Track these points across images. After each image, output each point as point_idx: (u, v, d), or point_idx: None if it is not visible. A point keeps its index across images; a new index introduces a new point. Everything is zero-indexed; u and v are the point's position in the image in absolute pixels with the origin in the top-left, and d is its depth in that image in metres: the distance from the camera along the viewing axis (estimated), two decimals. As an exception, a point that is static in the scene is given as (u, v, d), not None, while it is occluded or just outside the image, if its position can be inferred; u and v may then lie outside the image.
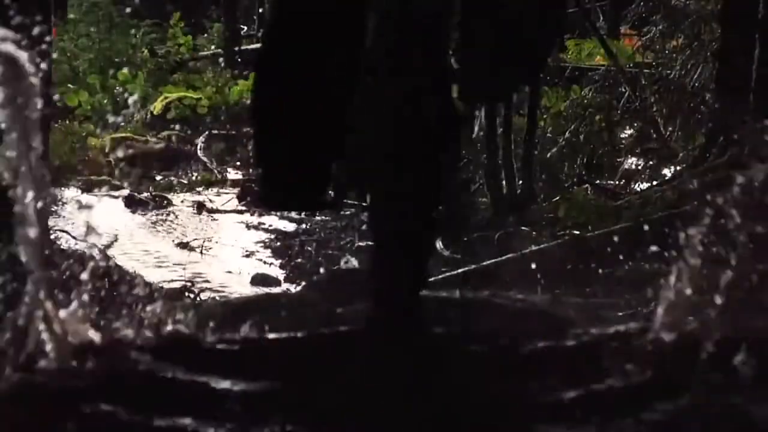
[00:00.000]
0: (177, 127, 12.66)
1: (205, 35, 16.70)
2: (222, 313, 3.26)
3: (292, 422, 2.03)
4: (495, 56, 3.64)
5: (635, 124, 10.07)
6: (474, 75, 3.62)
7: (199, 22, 16.58)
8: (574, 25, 13.26)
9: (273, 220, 9.13)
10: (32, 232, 2.30)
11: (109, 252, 7.03)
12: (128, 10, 14.99)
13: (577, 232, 7.14)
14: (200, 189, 10.76)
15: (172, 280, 7.05)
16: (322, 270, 7.07)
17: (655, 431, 2.01)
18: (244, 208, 9.80)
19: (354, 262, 7.65)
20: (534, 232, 7.45)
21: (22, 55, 2.27)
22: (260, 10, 16.85)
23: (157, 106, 13.12)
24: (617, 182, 9.16)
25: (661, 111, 9.55)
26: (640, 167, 9.34)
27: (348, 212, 9.63)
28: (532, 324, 2.88)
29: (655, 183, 8.61)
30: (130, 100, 13.02)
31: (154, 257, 8.04)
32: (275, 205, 5.11)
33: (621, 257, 6.49)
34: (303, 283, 6.72)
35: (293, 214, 8.92)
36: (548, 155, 9.17)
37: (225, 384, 2.20)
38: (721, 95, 7.57)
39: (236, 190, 10.35)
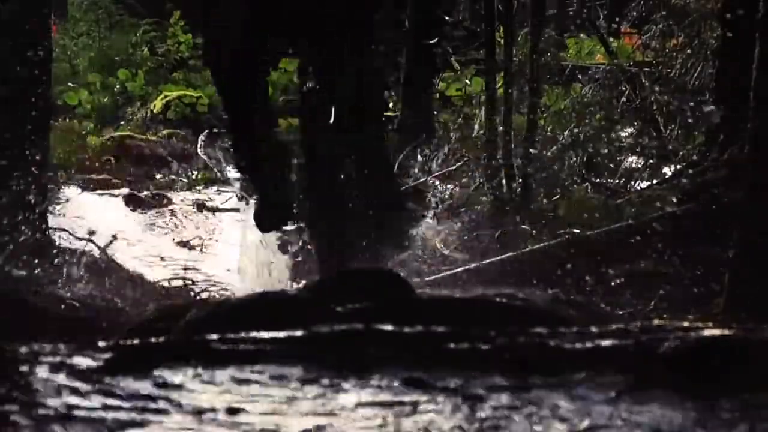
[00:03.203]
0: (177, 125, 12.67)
1: (205, 33, 16.69)
2: (222, 311, 3.26)
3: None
4: None
5: (635, 123, 10.07)
6: None
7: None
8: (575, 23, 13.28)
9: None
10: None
11: (109, 250, 7.07)
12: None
13: (578, 231, 7.14)
14: (200, 187, 10.76)
15: (172, 279, 7.06)
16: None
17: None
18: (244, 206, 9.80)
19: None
20: (534, 231, 7.46)
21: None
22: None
23: (157, 105, 13.12)
24: (617, 181, 9.17)
25: (661, 110, 9.55)
26: (640, 166, 9.35)
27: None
28: (532, 323, 2.87)
29: (655, 182, 8.62)
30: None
31: (154, 256, 8.04)
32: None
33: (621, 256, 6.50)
34: (303, 283, 6.72)
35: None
36: (548, 154, 9.17)
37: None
38: (721, 94, 7.58)
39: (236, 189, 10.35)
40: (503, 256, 6.72)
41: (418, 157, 10.64)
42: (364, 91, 6.01)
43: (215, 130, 12.41)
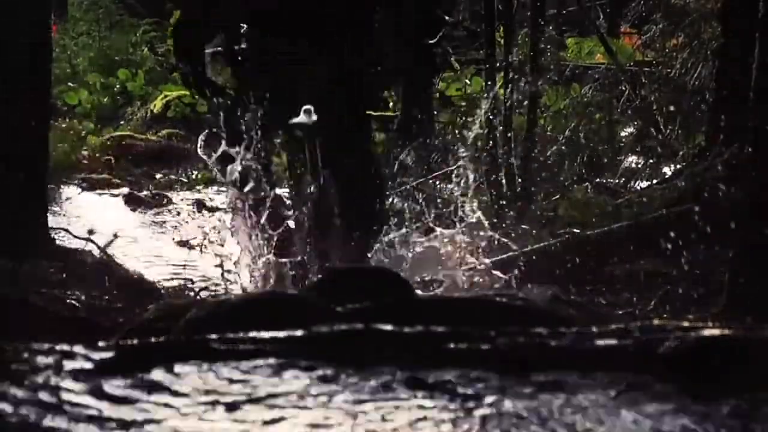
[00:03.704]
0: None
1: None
2: (222, 311, 3.26)
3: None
4: None
5: (635, 123, 10.07)
6: None
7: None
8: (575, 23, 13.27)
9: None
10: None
11: (109, 250, 7.08)
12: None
13: (578, 231, 7.14)
14: (200, 187, 10.76)
15: (172, 279, 7.06)
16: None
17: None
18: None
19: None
20: (534, 231, 7.46)
21: None
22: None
23: (157, 105, 13.11)
24: (617, 180, 9.17)
25: (661, 109, 9.55)
26: (640, 165, 9.35)
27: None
28: (532, 323, 2.87)
29: (655, 181, 8.62)
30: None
31: (153, 255, 8.04)
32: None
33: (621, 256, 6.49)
34: (303, 282, 6.72)
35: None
36: (548, 154, 9.17)
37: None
38: (721, 94, 7.58)
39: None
40: (503, 256, 6.71)
41: (418, 157, 10.63)
42: (349, 95, 6.08)
43: (215, 130, 12.39)
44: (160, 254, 8.11)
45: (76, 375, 2.22)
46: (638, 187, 8.73)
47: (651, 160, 9.24)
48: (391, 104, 12.46)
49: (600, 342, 2.40)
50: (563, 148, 9.23)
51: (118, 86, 13.78)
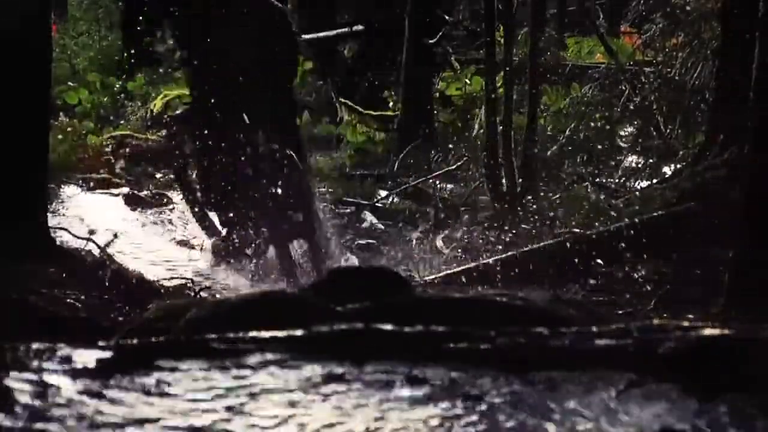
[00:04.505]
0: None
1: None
2: (222, 311, 3.26)
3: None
4: None
5: (635, 122, 10.08)
6: None
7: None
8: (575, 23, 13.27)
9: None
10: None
11: (109, 250, 7.08)
12: None
13: (578, 231, 7.14)
14: (200, 187, 10.74)
15: (172, 278, 7.05)
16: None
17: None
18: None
19: (354, 260, 7.67)
20: (534, 230, 7.46)
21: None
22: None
23: (157, 105, 13.11)
24: (617, 180, 9.17)
25: (661, 109, 9.56)
26: (640, 165, 9.35)
27: (348, 210, 9.63)
28: (532, 323, 2.87)
29: (655, 181, 8.62)
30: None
31: (154, 255, 8.04)
32: None
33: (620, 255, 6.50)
34: (303, 282, 6.73)
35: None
36: (548, 153, 9.18)
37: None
38: (721, 94, 7.58)
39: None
40: (503, 256, 6.72)
41: (418, 156, 10.63)
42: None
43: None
44: (160, 254, 8.11)
45: (77, 374, 2.23)
46: (638, 187, 8.74)
47: (651, 160, 9.25)
48: (391, 104, 12.47)
49: (600, 342, 2.40)
50: (569, 148, 9.23)
51: (118, 86, 13.78)
